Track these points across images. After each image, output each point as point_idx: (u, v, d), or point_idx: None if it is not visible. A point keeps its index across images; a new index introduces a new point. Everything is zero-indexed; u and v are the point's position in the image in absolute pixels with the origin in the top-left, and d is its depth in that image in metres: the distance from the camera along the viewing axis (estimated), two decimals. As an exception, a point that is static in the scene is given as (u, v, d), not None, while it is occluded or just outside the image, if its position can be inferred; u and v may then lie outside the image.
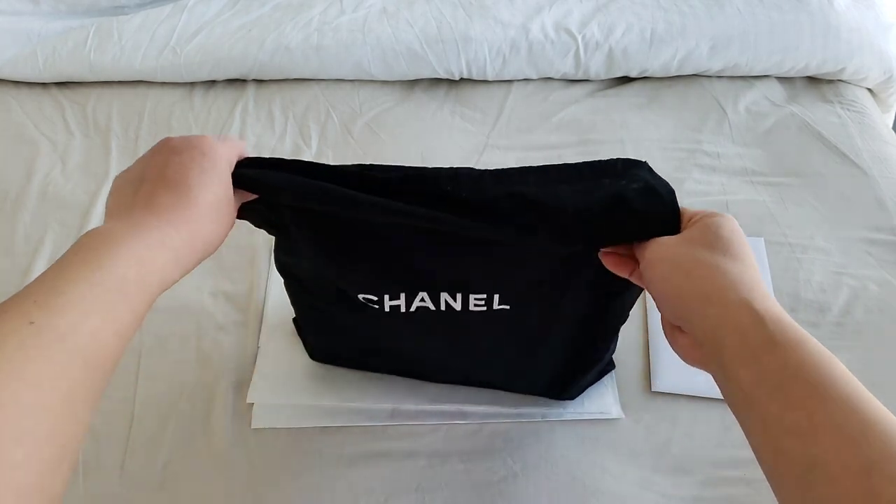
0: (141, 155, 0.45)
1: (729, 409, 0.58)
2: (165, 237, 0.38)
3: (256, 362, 0.60)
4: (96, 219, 0.72)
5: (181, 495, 0.54)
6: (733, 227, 0.44)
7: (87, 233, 0.36)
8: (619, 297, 0.49)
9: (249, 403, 0.58)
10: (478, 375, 0.58)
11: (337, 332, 0.56)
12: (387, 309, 0.50)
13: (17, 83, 0.87)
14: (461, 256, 0.46)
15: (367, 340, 0.56)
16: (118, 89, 0.86)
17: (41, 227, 0.72)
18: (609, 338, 0.54)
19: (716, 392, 0.58)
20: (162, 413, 0.58)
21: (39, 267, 0.68)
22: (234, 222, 0.45)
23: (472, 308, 0.49)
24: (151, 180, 0.41)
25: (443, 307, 0.49)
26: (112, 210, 0.41)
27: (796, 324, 0.37)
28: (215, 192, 0.42)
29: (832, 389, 0.32)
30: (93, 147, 0.80)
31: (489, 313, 0.49)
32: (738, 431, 0.56)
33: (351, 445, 0.56)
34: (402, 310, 0.50)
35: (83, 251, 0.35)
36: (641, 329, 0.64)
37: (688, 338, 0.40)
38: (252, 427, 0.57)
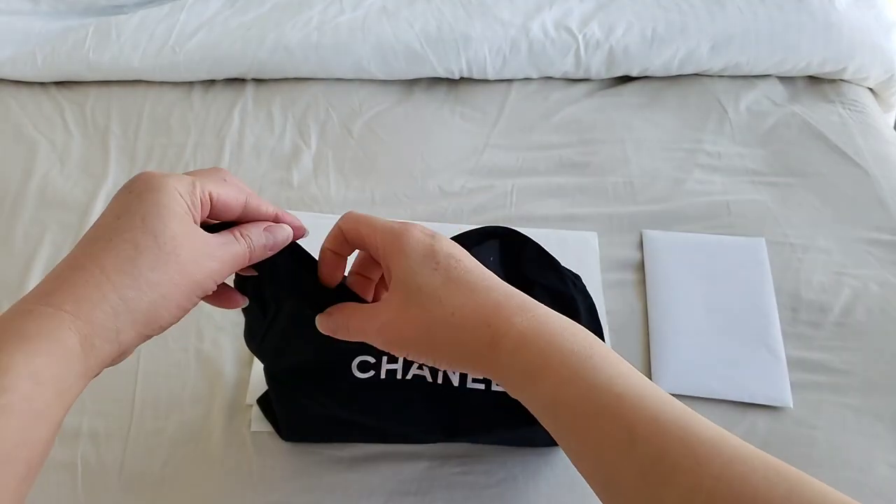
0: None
1: (729, 410, 0.58)
2: (38, 318, 0.31)
3: (255, 364, 0.60)
4: (95, 219, 0.72)
5: (180, 496, 0.54)
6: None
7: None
8: None
9: (249, 405, 0.58)
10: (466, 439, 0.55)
11: (315, 419, 0.53)
12: (382, 375, 0.49)
13: (15, 82, 0.86)
14: None
15: (345, 423, 0.53)
16: (117, 89, 0.86)
17: (40, 227, 0.71)
18: None
19: (716, 392, 0.59)
20: (161, 413, 0.58)
21: (38, 267, 0.68)
22: (206, 277, 0.36)
23: (469, 385, 0.49)
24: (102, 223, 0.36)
25: (440, 380, 0.49)
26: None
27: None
28: (135, 240, 0.33)
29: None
30: (92, 147, 0.80)
31: (487, 393, 0.49)
32: (738, 431, 0.56)
33: (350, 447, 0.55)
34: (399, 376, 0.49)
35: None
36: (642, 329, 0.64)
37: None
38: (251, 430, 0.56)
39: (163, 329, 0.35)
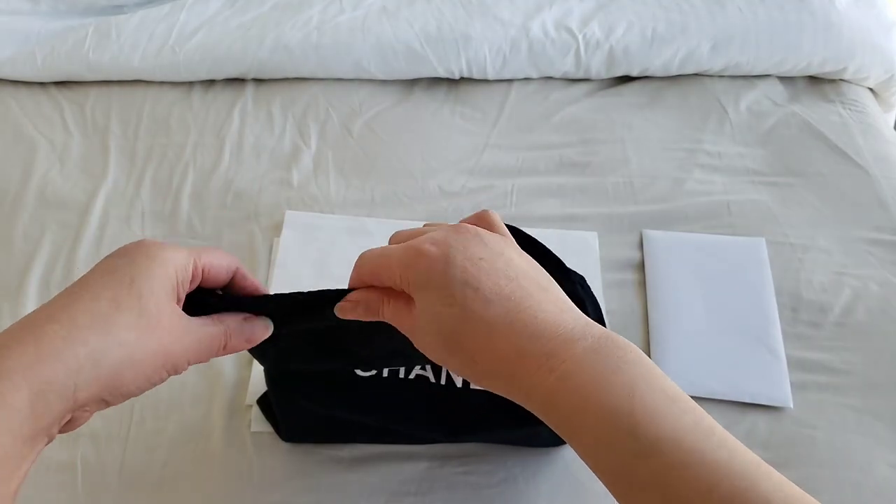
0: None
1: (729, 410, 0.58)
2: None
3: (255, 364, 0.60)
4: (94, 218, 0.72)
5: (180, 496, 0.54)
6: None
7: None
8: None
9: (248, 405, 0.58)
10: (467, 439, 0.55)
11: (314, 420, 0.53)
12: (385, 374, 0.49)
13: (15, 82, 0.86)
14: None
15: (345, 423, 0.53)
16: (117, 88, 0.86)
17: (39, 227, 0.71)
18: None
19: (716, 392, 0.59)
20: (161, 414, 0.58)
21: (38, 267, 0.68)
22: (181, 344, 0.35)
23: (472, 386, 0.49)
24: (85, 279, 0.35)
25: (443, 381, 0.49)
26: None
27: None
28: (117, 298, 0.33)
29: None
30: (91, 146, 0.80)
31: (490, 393, 0.49)
32: (738, 431, 0.56)
33: (350, 447, 0.55)
34: (401, 375, 0.49)
35: None
36: (642, 329, 0.64)
37: None
38: (251, 430, 0.56)
39: (123, 398, 0.33)
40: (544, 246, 0.53)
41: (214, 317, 0.37)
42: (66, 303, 0.32)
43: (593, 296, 0.54)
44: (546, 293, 0.35)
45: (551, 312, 0.33)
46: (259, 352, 0.49)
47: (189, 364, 0.36)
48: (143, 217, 0.73)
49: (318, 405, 0.51)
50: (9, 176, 0.76)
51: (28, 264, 0.68)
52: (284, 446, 0.55)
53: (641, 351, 0.33)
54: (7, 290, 0.66)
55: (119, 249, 0.35)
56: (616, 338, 0.33)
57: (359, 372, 0.49)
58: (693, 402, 0.32)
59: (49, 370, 0.30)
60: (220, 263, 0.38)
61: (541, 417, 0.33)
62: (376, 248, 0.38)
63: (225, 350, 0.37)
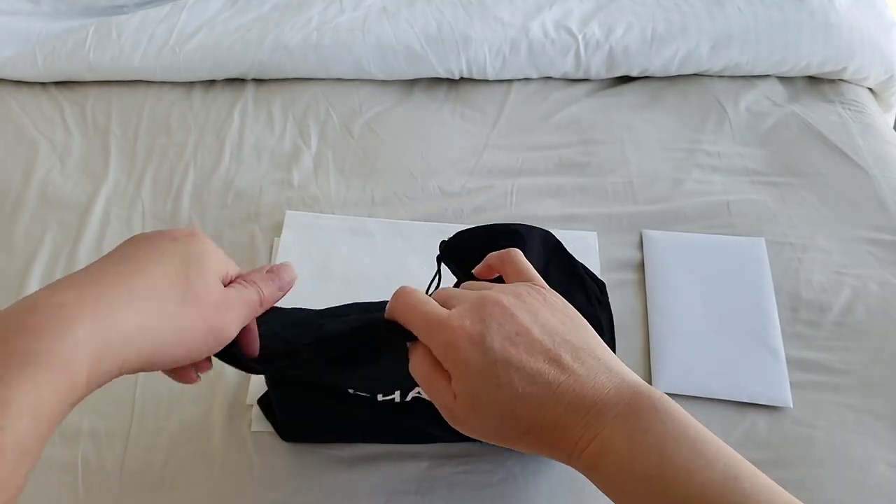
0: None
1: (729, 410, 0.58)
2: (56, 323, 0.29)
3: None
4: (95, 218, 0.72)
5: (181, 496, 0.54)
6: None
7: None
8: None
9: (249, 405, 0.58)
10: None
11: (315, 419, 0.54)
12: (379, 399, 0.50)
13: (16, 83, 0.86)
14: None
15: (346, 423, 0.54)
16: (117, 89, 0.86)
17: (40, 227, 0.71)
18: None
19: (716, 392, 0.59)
20: (162, 413, 0.58)
21: (38, 267, 0.68)
22: (220, 328, 0.36)
23: None
24: (100, 261, 0.35)
25: None
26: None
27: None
28: (168, 274, 0.34)
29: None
30: (92, 147, 0.80)
31: None
32: (737, 431, 0.56)
33: (350, 447, 0.55)
34: (397, 400, 0.50)
35: None
36: (641, 329, 0.64)
37: None
38: (252, 430, 0.57)
39: (162, 367, 0.34)
40: (567, 254, 0.52)
41: (240, 280, 0.38)
42: (118, 269, 0.32)
43: (608, 305, 0.53)
44: (583, 354, 0.36)
45: (588, 378, 0.35)
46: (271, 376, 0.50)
47: (234, 333, 0.36)
48: (143, 217, 0.73)
49: (319, 402, 0.51)
50: (10, 176, 0.76)
51: (29, 264, 0.68)
52: (285, 446, 0.56)
53: (668, 399, 0.35)
54: (8, 289, 0.66)
55: (165, 231, 0.37)
56: (643, 395, 0.35)
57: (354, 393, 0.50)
58: (720, 445, 0.34)
59: (106, 338, 0.30)
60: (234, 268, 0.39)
61: (586, 477, 0.35)
62: (405, 302, 0.38)
63: (262, 306, 0.38)
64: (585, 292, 0.51)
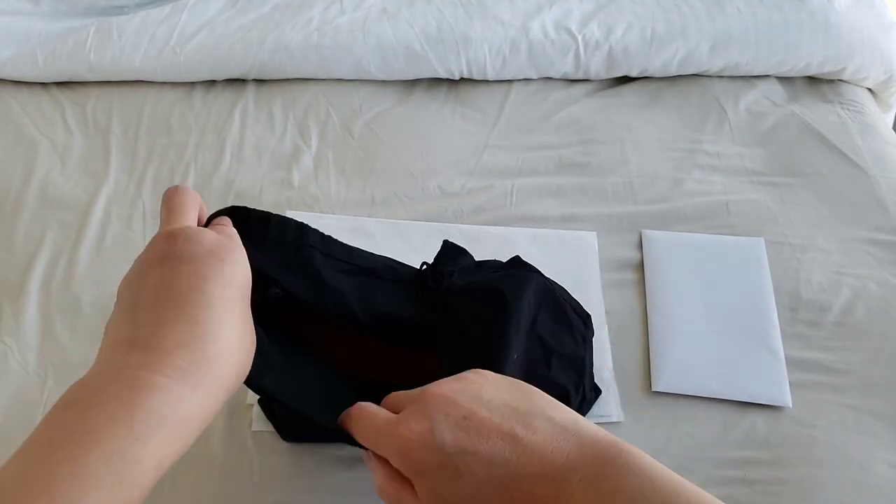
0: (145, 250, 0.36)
1: (729, 409, 0.58)
2: (174, 402, 0.28)
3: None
4: (96, 219, 0.72)
5: (181, 496, 0.54)
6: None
7: (71, 393, 0.28)
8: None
9: (249, 405, 0.58)
10: None
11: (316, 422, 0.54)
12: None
13: (16, 83, 0.87)
14: None
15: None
16: (118, 89, 0.86)
17: (41, 227, 0.71)
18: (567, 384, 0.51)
19: (716, 392, 0.59)
20: (162, 413, 0.58)
21: (39, 267, 0.68)
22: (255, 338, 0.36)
23: None
24: (151, 303, 0.31)
25: None
26: (107, 342, 0.32)
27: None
28: (240, 315, 0.33)
29: None
30: (92, 147, 0.80)
31: None
32: (737, 431, 0.56)
33: (350, 447, 0.55)
34: None
35: (60, 430, 0.27)
36: (641, 329, 0.64)
37: None
38: (252, 429, 0.57)
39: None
40: (550, 288, 0.52)
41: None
42: (214, 318, 0.31)
43: (591, 338, 0.54)
44: (534, 419, 0.35)
45: (545, 445, 0.34)
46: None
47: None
48: (144, 217, 0.73)
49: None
50: (10, 176, 0.77)
51: (29, 264, 0.68)
52: (285, 446, 0.56)
53: (633, 451, 0.34)
54: (8, 290, 0.66)
55: (177, 249, 0.34)
56: (606, 453, 0.34)
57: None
58: (690, 488, 0.33)
59: (219, 393, 0.30)
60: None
61: None
62: (359, 421, 0.39)
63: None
64: (572, 333, 0.52)
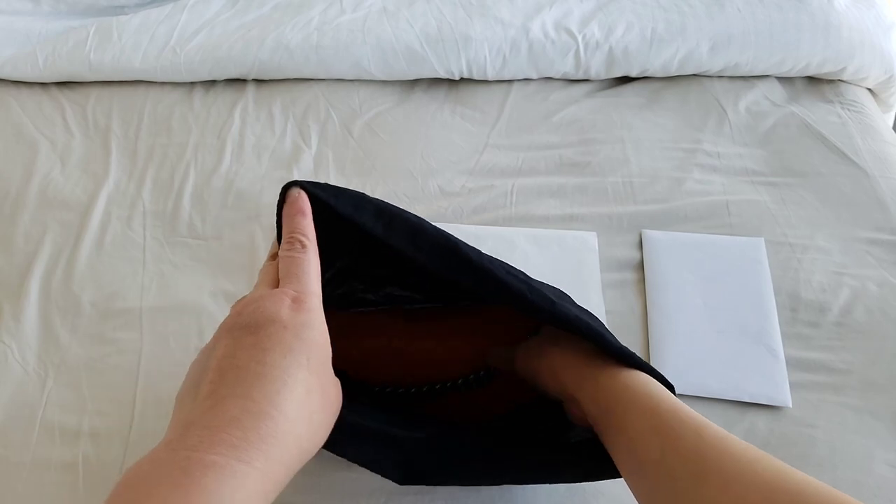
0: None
1: (729, 409, 0.58)
2: (229, 479, 0.26)
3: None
4: (96, 218, 0.72)
5: (181, 496, 0.54)
6: None
7: (128, 476, 0.27)
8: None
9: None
10: None
11: None
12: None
13: (16, 83, 0.87)
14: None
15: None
16: (118, 89, 0.86)
17: (41, 227, 0.71)
18: None
19: (716, 392, 0.59)
20: (162, 413, 0.58)
21: (38, 267, 0.68)
22: (338, 409, 0.34)
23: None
24: (214, 377, 0.30)
25: None
26: (172, 420, 0.31)
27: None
28: (305, 381, 0.30)
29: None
30: (92, 147, 0.80)
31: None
32: (738, 431, 0.56)
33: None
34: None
35: None
36: (641, 329, 0.64)
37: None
38: (252, 427, 0.57)
39: None
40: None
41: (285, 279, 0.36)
42: (265, 393, 0.29)
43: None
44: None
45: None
46: None
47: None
48: (144, 217, 0.73)
49: None
50: (10, 176, 0.77)
51: (29, 264, 0.68)
52: (285, 445, 0.56)
53: None
54: (8, 290, 0.66)
55: (242, 319, 0.32)
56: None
57: None
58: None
59: (276, 473, 0.28)
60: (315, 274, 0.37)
61: None
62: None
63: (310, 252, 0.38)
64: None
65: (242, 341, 0.31)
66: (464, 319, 0.53)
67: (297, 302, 0.33)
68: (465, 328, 0.53)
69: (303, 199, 0.38)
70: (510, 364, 0.49)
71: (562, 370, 0.43)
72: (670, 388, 0.40)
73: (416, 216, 0.44)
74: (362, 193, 0.44)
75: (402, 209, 0.44)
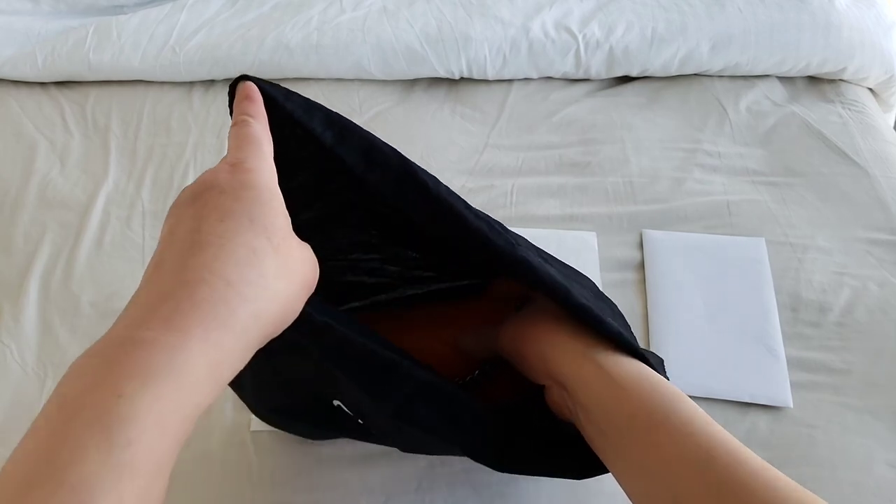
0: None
1: (729, 410, 0.58)
2: (160, 353, 0.25)
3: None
4: (95, 218, 0.72)
5: (180, 496, 0.54)
6: None
7: (79, 366, 0.25)
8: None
9: (249, 404, 0.58)
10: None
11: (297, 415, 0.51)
12: (360, 420, 0.47)
13: (16, 83, 0.87)
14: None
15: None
16: (117, 89, 0.86)
17: (40, 227, 0.71)
18: None
19: (716, 392, 0.59)
20: (161, 413, 0.58)
21: (38, 267, 0.68)
22: (310, 279, 0.32)
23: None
24: (155, 259, 0.29)
25: None
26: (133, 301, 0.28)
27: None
28: (249, 243, 0.28)
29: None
30: (92, 147, 0.80)
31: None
32: (738, 431, 0.56)
33: (350, 446, 0.55)
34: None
35: (52, 405, 0.24)
36: (641, 329, 0.64)
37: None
38: (251, 430, 0.56)
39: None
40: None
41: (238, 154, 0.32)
42: (201, 260, 0.27)
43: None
44: None
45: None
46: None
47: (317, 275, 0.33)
48: (143, 217, 0.73)
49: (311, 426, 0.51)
50: (9, 176, 0.76)
51: (29, 264, 0.68)
52: (285, 446, 0.56)
53: None
54: (8, 290, 0.66)
55: (208, 184, 0.30)
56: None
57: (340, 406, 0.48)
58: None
59: (221, 340, 0.26)
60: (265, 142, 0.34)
61: None
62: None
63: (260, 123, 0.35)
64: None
65: (182, 215, 0.29)
66: (445, 317, 0.52)
67: (235, 165, 0.31)
68: (443, 325, 0.52)
69: (251, 88, 0.35)
70: (488, 345, 0.47)
71: (552, 358, 0.41)
72: (664, 374, 0.40)
73: (371, 133, 0.40)
74: (314, 100, 0.41)
75: (356, 124, 0.41)
